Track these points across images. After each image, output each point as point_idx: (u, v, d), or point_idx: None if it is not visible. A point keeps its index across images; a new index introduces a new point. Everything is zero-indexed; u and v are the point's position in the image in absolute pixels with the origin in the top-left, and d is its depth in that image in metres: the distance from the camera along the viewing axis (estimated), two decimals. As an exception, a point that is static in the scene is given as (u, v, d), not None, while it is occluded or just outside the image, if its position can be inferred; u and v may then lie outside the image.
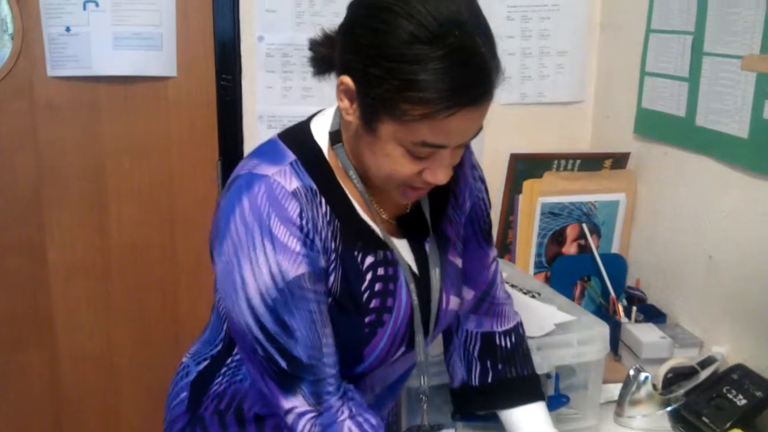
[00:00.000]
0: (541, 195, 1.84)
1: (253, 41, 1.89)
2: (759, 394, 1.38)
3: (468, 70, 0.83)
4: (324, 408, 0.96)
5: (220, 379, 1.12)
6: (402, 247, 1.05)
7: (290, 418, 0.97)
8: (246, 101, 1.93)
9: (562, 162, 1.89)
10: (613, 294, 1.82)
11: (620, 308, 1.79)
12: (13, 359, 2.00)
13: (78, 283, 1.99)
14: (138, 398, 2.06)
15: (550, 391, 1.37)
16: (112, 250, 1.98)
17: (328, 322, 0.97)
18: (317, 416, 0.96)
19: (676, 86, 1.70)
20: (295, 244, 0.91)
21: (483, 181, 1.18)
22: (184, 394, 1.15)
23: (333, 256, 0.96)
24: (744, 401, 1.37)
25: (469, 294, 1.20)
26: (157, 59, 1.86)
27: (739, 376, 1.43)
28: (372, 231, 1.01)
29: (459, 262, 1.15)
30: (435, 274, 1.08)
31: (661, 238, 1.82)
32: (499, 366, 1.19)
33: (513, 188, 1.88)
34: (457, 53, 0.82)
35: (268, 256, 0.91)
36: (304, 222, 0.92)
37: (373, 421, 0.99)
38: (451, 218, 1.13)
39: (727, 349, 1.57)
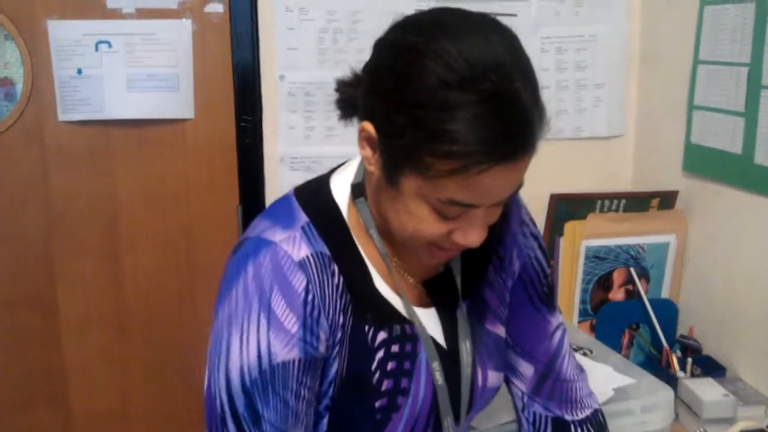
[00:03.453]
0: (585, 238, 1.72)
1: (273, 80, 1.79)
2: None
3: (504, 119, 0.71)
4: None
5: None
6: (428, 318, 0.93)
7: None
8: (267, 143, 1.83)
9: (606, 202, 1.77)
10: (666, 344, 1.68)
11: (674, 360, 1.66)
12: (24, 417, 1.90)
13: (91, 337, 1.89)
14: None
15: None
16: (127, 301, 1.88)
17: (302, 420, 0.85)
18: None
19: (730, 121, 1.58)
20: (293, 325, 0.81)
21: (537, 239, 1.04)
22: None
23: (340, 334, 0.85)
24: (828, 473, 1.24)
25: (528, 369, 1.05)
26: (173, 101, 1.77)
27: (819, 442, 1.29)
28: (388, 302, 0.89)
29: (501, 331, 1.02)
30: (465, 346, 0.94)
31: (715, 284, 1.69)
32: None
33: (553, 231, 1.76)
34: (492, 100, 0.71)
35: (261, 332, 0.81)
36: (309, 297, 0.82)
37: None
38: (492, 282, 0.99)
39: (799, 409, 1.44)
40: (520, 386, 1.07)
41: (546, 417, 1.06)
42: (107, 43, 1.72)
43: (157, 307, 1.89)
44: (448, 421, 0.93)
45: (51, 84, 1.72)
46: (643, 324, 1.77)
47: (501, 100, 0.71)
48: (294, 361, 0.81)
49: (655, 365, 1.65)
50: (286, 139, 1.83)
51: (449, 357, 0.94)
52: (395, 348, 0.89)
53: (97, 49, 1.72)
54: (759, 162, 1.51)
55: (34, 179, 1.79)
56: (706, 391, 1.52)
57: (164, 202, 1.84)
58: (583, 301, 1.78)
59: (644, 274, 1.79)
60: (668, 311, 1.77)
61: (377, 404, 0.88)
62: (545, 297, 1.04)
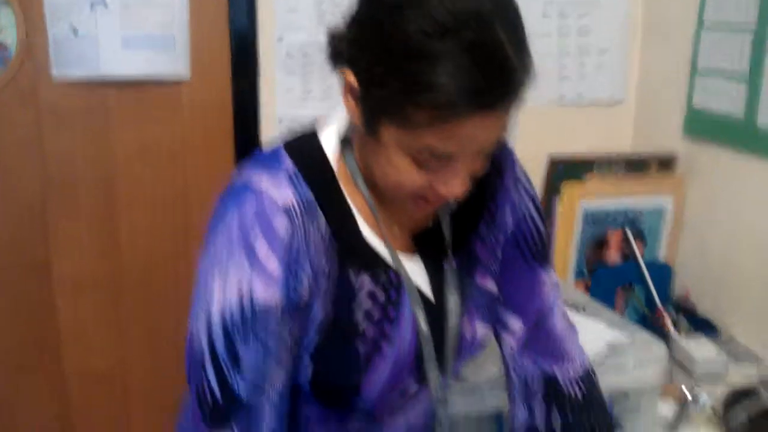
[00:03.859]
0: (583, 199, 1.72)
1: (271, 42, 1.78)
2: (835, 419, 1.25)
3: (485, 68, 0.70)
4: None
5: None
6: (415, 268, 0.93)
7: None
8: (264, 104, 1.82)
9: (605, 165, 1.77)
10: (660, 305, 1.69)
11: (668, 320, 1.67)
12: (19, 380, 1.90)
13: (86, 299, 1.88)
14: (150, 419, 1.97)
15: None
16: (122, 263, 1.87)
17: (283, 366, 0.85)
18: None
19: (733, 85, 1.57)
20: (275, 268, 0.80)
21: (532, 196, 1.03)
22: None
23: (324, 280, 0.84)
24: (818, 427, 1.25)
25: (517, 324, 1.05)
26: (169, 61, 1.76)
27: (810, 398, 1.30)
28: (374, 250, 0.89)
29: (491, 285, 1.01)
30: (453, 298, 0.94)
31: (712, 247, 1.69)
32: (570, 417, 1.04)
33: (551, 192, 1.76)
34: (473, 49, 0.69)
35: (242, 274, 0.80)
36: (293, 242, 0.81)
37: None
38: (483, 237, 0.98)
39: (791, 367, 1.45)
40: (510, 341, 1.07)
41: (536, 372, 1.06)
42: (103, 3, 1.70)
43: (153, 268, 1.88)
44: (433, 371, 0.93)
45: (45, 44, 1.70)
46: (637, 285, 1.78)
47: (482, 49, 0.70)
48: (276, 305, 0.81)
49: (649, 325, 1.66)
50: (284, 101, 1.81)
51: (435, 308, 0.94)
52: (380, 295, 0.89)
53: (92, 9, 1.70)
54: (762, 124, 1.50)
55: (29, 141, 1.77)
56: (699, 349, 1.53)
57: (160, 163, 1.83)
58: (578, 262, 1.78)
59: (641, 237, 1.79)
60: (663, 273, 1.78)
61: (361, 350, 0.88)
62: (538, 253, 1.03)
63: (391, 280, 0.90)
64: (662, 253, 1.81)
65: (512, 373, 1.08)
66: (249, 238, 0.80)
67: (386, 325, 0.89)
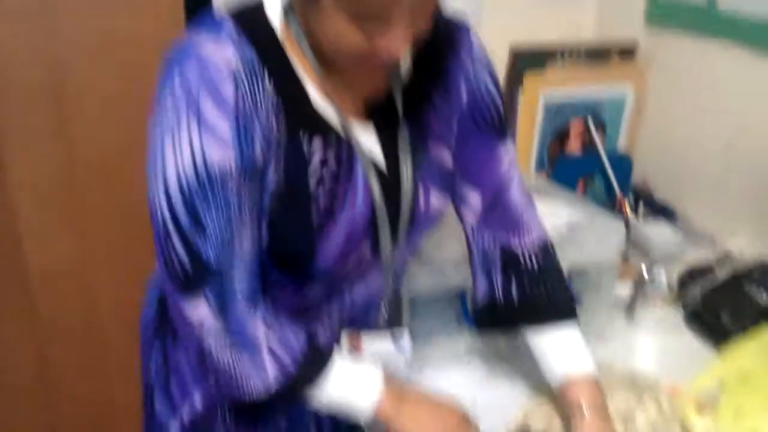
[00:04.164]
0: (544, 89, 1.72)
1: None
2: (784, 290, 1.30)
3: None
4: (230, 318, 0.86)
5: None
6: (366, 135, 0.93)
7: (197, 331, 0.87)
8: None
9: (566, 54, 1.75)
10: (619, 192, 1.72)
11: (627, 206, 1.70)
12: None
13: (45, 199, 1.85)
14: (118, 313, 1.98)
15: (562, 293, 1.28)
16: (77, 166, 1.83)
17: (249, 227, 0.85)
18: (225, 328, 0.87)
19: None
20: (225, 130, 0.79)
21: (489, 69, 1.03)
22: (153, 299, 1.11)
23: (275, 144, 0.84)
24: (767, 299, 1.30)
25: (476, 198, 1.06)
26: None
27: (762, 273, 1.35)
28: (323, 115, 0.88)
29: (446, 156, 1.01)
30: (405, 165, 0.94)
31: (672, 132, 1.72)
32: (527, 288, 1.06)
33: (513, 84, 1.75)
34: None
35: (192, 137, 0.79)
36: (240, 104, 0.80)
37: (288, 327, 0.91)
38: (437, 107, 0.98)
39: (743, 244, 1.49)
40: (469, 216, 1.08)
41: (494, 245, 1.07)
42: None
43: (110, 163, 1.85)
44: (386, 238, 0.94)
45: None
46: (598, 175, 1.80)
47: None
48: (230, 166, 0.80)
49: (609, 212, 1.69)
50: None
51: (388, 175, 0.94)
52: (331, 160, 0.89)
53: None
54: (722, 8, 1.50)
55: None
56: (657, 232, 1.57)
57: (111, 57, 1.77)
58: (540, 154, 1.79)
59: (601, 127, 1.80)
60: (623, 163, 1.80)
61: (314, 217, 0.88)
62: (494, 127, 1.03)
63: (341, 146, 0.89)
64: (622, 143, 1.83)
65: (473, 247, 1.10)
66: (196, 102, 0.79)
67: (339, 191, 0.89)
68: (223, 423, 1.07)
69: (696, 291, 1.39)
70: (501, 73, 1.74)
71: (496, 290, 1.08)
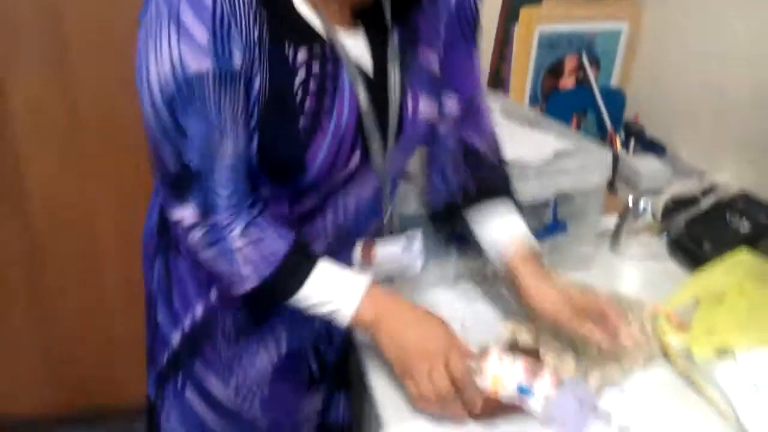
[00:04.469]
0: (539, 23, 1.72)
1: None
2: (764, 219, 1.33)
3: None
4: (212, 222, 0.92)
5: None
6: (354, 41, 0.95)
7: (180, 229, 0.93)
8: None
9: (563, -13, 1.75)
10: (610, 128, 1.74)
11: (618, 141, 1.72)
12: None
13: (46, 137, 1.88)
14: (117, 249, 2.03)
15: (548, 218, 1.31)
16: (77, 97, 1.85)
17: (232, 135, 0.88)
18: (204, 230, 0.92)
19: None
20: (203, 35, 0.81)
21: None
22: (155, 216, 1.13)
23: (257, 51, 0.86)
24: (748, 227, 1.33)
25: (452, 102, 1.11)
26: None
27: (743, 202, 1.38)
28: (307, 21, 0.90)
29: (434, 60, 1.04)
30: (394, 70, 0.97)
31: (664, 68, 1.72)
32: (483, 175, 1.13)
33: (508, 18, 1.75)
34: None
35: (172, 44, 0.82)
36: (218, 10, 0.82)
37: (270, 234, 0.94)
38: (425, 8, 1.02)
39: (729, 178, 1.51)
40: (442, 121, 1.13)
41: (459, 147, 1.14)
42: None
43: (111, 94, 1.86)
44: (375, 142, 0.97)
45: None
46: (590, 110, 1.81)
47: None
48: (207, 72, 0.83)
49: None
50: None
51: (375, 79, 0.96)
52: (316, 67, 0.90)
53: None
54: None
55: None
56: (644, 165, 1.59)
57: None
58: (534, 88, 1.80)
59: (595, 62, 1.81)
60: (616, 99, 1.82)
61: (302, 123, 0.90)
62: (472, 33, 1.09)
63: (326, 54, 0.91)
64: (616, 79, 1.84)
65: (436, 151, 1.15)
66: (176, 9, 0.81)
67: (325, 98, 0.91)
68: (222, 333, 1.11)
69: (680, 220, 1.42)
70: (497, 6, 1.74)
71: (454, 186, 1.14)
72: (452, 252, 1.29)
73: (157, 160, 0.90)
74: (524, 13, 1.73)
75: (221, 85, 0.84)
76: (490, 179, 1.13)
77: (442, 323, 1.00)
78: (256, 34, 0.85)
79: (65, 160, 1.92)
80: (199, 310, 1.10)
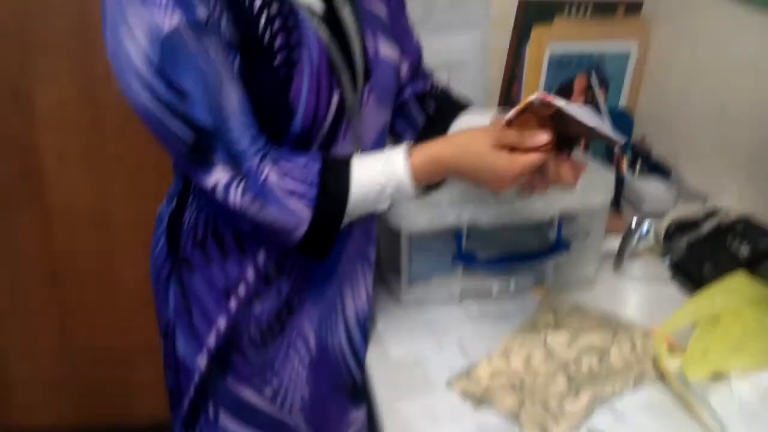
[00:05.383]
0: (550, 41, 1.75)
1: None
2: (763, 243, 1.35)
3: None
4: (245, 171, 0.92)
5: (189, 211, 1.08)
6: None
7: (219, 195, 0.93)
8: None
9: (573, 7, 1.78)
10: (617, 148, 1.77)
11: (624, 163, 1.75)
12: (3, 217, 1.97)
13: (69, 137, 1.92)
14: (134, 252, 2.05)
15: (552, 237, 1.35)
16: (99, 97, 1.90)
17: (229, 81, 0.91)
18: (241, 182, 0.92)
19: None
20: None
21: None
22: (162, 241, 1.13)
23: (215, 2, 0.89)
24: (748, 251, 1.35)
25: (404, 65, 1.23)
26: None
27: (744, 227, 1.40)
28: None
29: (380, 10, 1.12)
30: (345, 13, 1.03)
31: (671, 91, 1.75)
32: (439, 101, 1.24)
33: (521, 38, 1.78)
34: None
35: (139, 14, 0.85)
36: None
37: (300, 160, 0.96)
38: None
39: (732, 202, 1.54)
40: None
41: (411, 96, 1.26)
42: None
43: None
44: (345, 73, 1.00)
45: None
46: (599, 131, 1.84)
47: None
48: (181, 26, 0.86)
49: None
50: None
51: (330, 18, 1.01)
52: (274, 8, 0.94)
53: None
54: (723, -35, 1.53)
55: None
56: (649, 187, 1.62)
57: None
58: (543, 107, 1.83)
59: (604, 83, 1.84)
60: (624, 120, 1.84)
61: (277, 60, 0.93)
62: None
63: (284, 3, 0.95)
64: (624, 100, 1.87)
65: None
66: None
67: (292, 34, 0.95)
68: (249, 340, 1.10)
69: (682, 243, 1.45)
70: (509, 24, 1.77)
71: (417, 120, 1.24)
72: (458, 270, 1.32)
73: (170, 141, 0.91)
74: (536, 31, 1.76)
75: (197, 33, 0.87)
76: (445, 107, 1.23)
77: (484, 145, 0.98)
78: None
79: (85, 166, 1.96)
80: (221, 322, 1.08)
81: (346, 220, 0.98)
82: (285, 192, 0.93)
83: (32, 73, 1.84)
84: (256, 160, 0.92)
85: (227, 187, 0.92)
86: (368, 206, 0.99)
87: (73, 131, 1.92)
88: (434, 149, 0.99)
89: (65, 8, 1.81)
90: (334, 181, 0.95)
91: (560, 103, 0.93)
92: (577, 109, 0.94)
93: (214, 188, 0.93)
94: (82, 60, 1.85)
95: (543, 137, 0.95)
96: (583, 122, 0.93)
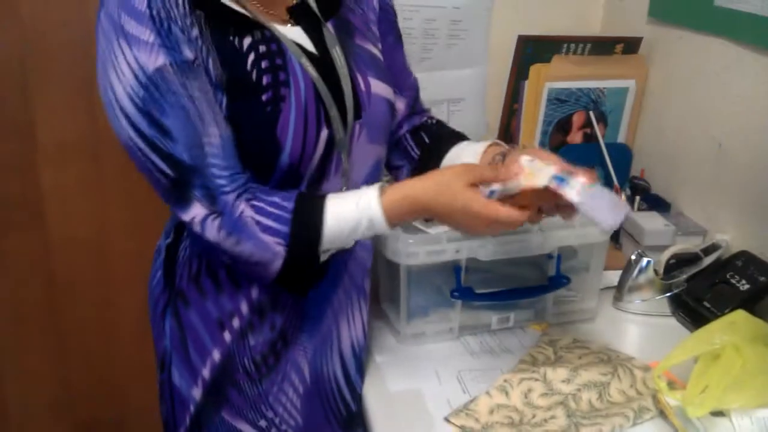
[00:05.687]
0: (549, 80, 1.77)
1: None
2: (763, 279, 1.35)
3: None
4: (221, 207, 0.94)
5: (185, 244, 1.10)
6: (294, 33, 1.04)
7: (196, 229, 0.95)
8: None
9: (572, 45, 1.80)
10: (616, 183, 1.78)
11: (623, 197, 1.75)
12: (2, 244, 1.97)
13: (69, 164, 1.93)
14: (132, 282, 2.04)
15: (551, 272, 1.34)
16: (101, 127, 1.91)
17: (211, 120, 0.93)
18: (217, 217, 0.94)
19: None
20: (149, 36, 0.89)
21: None
22: (159, 273, 1.14)
23: (202, 44, 0.93)
24: (747, 286, 1.35)
25: (401, 102, 1.25)
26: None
27: (743, 262, 1.40)
28: (240, 13, 0.98)
29: (373, 49, 1.14)
30: (336, 52, 1.05)
31: (669, 127, 1.76)
32: (434, 133, 1.28)
33: (519, 74, 1.80)
34: None
35: (126, 54, 0.89)
36: (154, 12, 0.89)
37: (276, 198, 0.96)
38: (352, 8, 1.13)
39: (731, 237, 1.54)
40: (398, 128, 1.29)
41: (408, 130, 1.29)
42: None
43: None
44: (333, 111, 1.02)
45: None
46: (598, 166, 1.85)
47: None
48: (165, 66, 0.89)
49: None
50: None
51: (320, 60, 1.04)
52: (263, 48, 0.98)
53: None
54: (719, 4, 1.55)
55: (4, 3, 1.77)
56: (648, 221, 1.62)
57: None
58: (542, 143, 1.85)
59: (603, 118, 1.86)
60: (623, 155, 1.85)
61: (264, 97, 0.96)
62: (397, 27, 1.25)
63: (267, 36, 0.99)
64: (623, 135, 1.88)
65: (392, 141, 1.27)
66: (120, 25, 0.89)
67: (279, 72, 0.98)
68: (244, 371, 1.10)
69: (682, 277, 1.45)
70: (508, 62, 1.79)
71: (411, 152, 1.28)
72: (457, 305, 1.32)
73: (153, 175, 0.94)
74: (534, 70, 1.78)
75: (183, 73, 0.91)
76: (439, 139, 1.26)
77: (461, 189, 0.98)
78: (196, 32, 0.92)
79: (85, 197, 1.97)
80: (216, 354, 1.09)
81: (323, 255, 1.00)
82: (260, 227, 0.95)
83: (34, 105, 1.86)
84: (233, 196, 0.94)
85: (203, 221, 0.94)
86: (343, 242, 1.00)
87: (74, 162, 1.93)
88: (407, 186, 1.00)
89: (67, 40, 1.83)
90: (308, 217, 0.96)
91: (570, 194, 0.92)
92: (587, 197, 0.93)
93: (191, 222, 0.95)
94: (84, 92, 1.87)
95: (523, 216, 0.97)
96: (575, 203, 0.93)
